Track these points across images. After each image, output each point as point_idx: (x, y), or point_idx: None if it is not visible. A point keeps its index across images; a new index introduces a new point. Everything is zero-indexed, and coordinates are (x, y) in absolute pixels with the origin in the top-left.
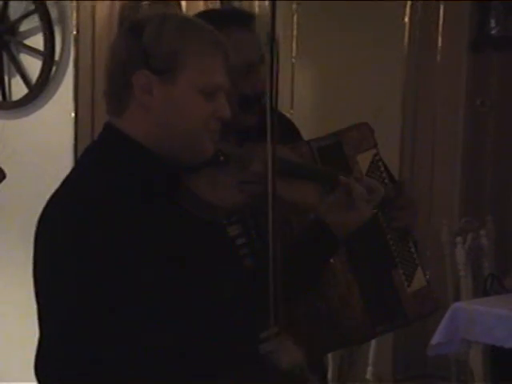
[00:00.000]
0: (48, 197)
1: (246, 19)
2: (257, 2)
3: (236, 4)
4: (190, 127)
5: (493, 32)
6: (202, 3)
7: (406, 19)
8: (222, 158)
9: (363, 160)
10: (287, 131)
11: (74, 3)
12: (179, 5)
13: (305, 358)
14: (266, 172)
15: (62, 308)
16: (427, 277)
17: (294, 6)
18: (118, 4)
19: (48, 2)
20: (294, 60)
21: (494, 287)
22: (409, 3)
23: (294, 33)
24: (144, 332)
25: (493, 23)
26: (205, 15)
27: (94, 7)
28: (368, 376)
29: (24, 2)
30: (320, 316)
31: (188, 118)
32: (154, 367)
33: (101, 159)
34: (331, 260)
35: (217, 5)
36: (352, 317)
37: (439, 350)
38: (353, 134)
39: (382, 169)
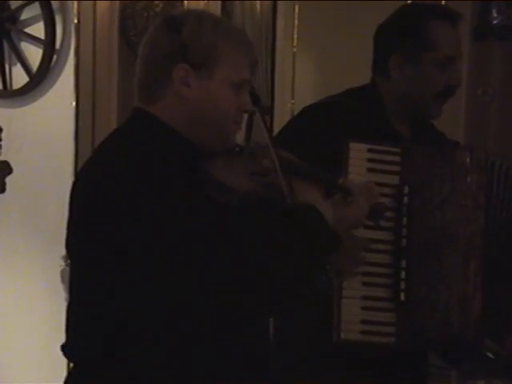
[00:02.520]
0: (48, 184)
1: (453, 16)
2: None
3: (237, 2)
4: (221, 117)
5: (495, 22)
6: (202, 3)
7: None
8: (237, 149)
9: None
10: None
11: None
12: (181, 3)
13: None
14: (274, 168)
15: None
16: None
17: None
18: None
19: None
20: (295, 50)
21: None
22: None
23: (296, 23)
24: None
25: (495, 13)
26: (416, 7)
27: None
28: None
29: None
30: (434, 306)
31: (220, 109)
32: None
33: (135, 139)
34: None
35: (218, 4)
36: (465, 319)
37: None
38: None
39: None
